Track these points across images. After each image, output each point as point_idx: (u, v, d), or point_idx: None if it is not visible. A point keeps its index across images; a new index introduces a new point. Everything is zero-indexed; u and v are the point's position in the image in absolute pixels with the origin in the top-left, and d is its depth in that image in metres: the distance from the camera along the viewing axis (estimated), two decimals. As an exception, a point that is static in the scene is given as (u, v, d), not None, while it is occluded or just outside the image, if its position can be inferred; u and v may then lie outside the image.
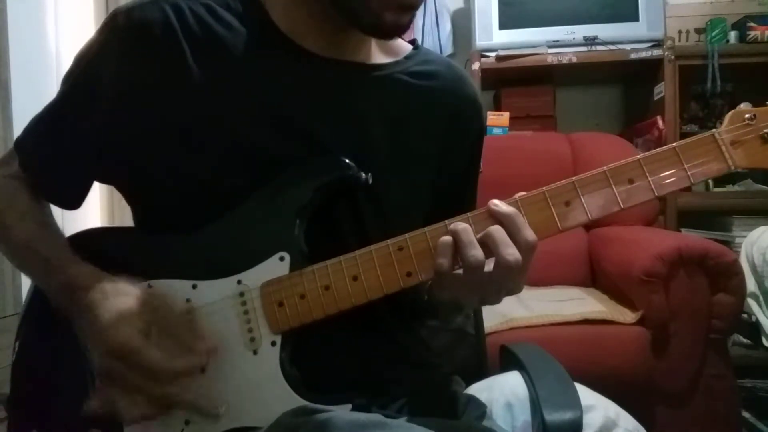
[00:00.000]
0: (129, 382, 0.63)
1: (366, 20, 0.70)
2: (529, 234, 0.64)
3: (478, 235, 0.64)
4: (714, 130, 0.67)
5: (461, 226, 0.65)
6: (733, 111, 0.67)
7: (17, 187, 0.77)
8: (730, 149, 0.66)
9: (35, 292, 0.78)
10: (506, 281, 0.65)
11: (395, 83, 0.79)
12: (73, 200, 0.79)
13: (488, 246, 0.64)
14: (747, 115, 0.66)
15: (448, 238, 0.65)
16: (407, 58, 0.83)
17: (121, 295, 0.65)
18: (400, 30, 0.71)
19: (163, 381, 0.63)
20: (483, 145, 0.89)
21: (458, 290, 0.67)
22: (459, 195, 0.85)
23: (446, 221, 0.67)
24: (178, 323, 0.67)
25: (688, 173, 0.65)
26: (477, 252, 0.63)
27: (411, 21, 0.72)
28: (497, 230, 0.64)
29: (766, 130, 0.66)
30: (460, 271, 0.65)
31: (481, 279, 0.64)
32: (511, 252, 0.63)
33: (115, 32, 0.72)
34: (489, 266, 0.64)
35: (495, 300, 0.69)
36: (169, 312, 0.67)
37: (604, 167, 0.66)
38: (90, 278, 0.67)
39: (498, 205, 0.66)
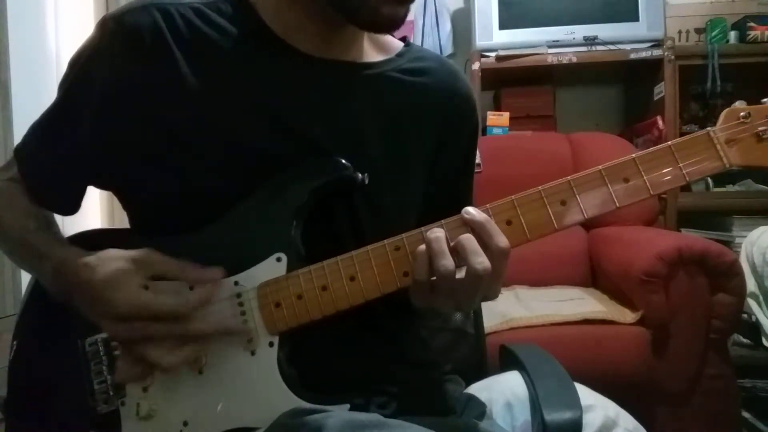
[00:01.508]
0: (153, 334, 0.65)
1: (364, 16, 0.70)
2: (501, 240, 0.64)
3: (452, 243, 0.64)
4: (709, 128, 0.67)
5: (434, 235, 0.65)
6: (727, 109, 0.67)
7: (18, 189, 0.78)
8: (725, 147, 0.66)
9: (32, 291, 0.79)
10: (478, 288, 0.65)
11: (388, 81, 0.79)
12: (70, 206, 0.80)
13: (459, 254, 0.64)
14: (742, 114, 0.66)
15: (423, 248, 0.65)
16: (399, 55, 0.83)
17: (109, 262, 0.66)
18: (397, 23, 0.71)
19: (184, 319, 0.65)
20: (478, 140, 0.89)
21: (432, 298, 0.67)
22: (455, 191, 0.85)
23: (423, 228, 0.67)
24: (172, 265, 0.68)
25: (684, 171, 0.65)
26: (447, 262, 0.63)
27: (407, 14, 0.72)
28: (467, 239, 0.64)
29: (760, 128, 0.66)
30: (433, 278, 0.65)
31: (453, 286, 0.64)
32: (480, 261, 0.63)
33: (106, 38, 0.72)
34: (461, 273, 0.64)
35: (469, 306, 0.69)
36: (159, 258, 0.68)
37: (600, 166, 0.67)
38: (75, 257, 0.68)
39: (470, 212, 0.66)
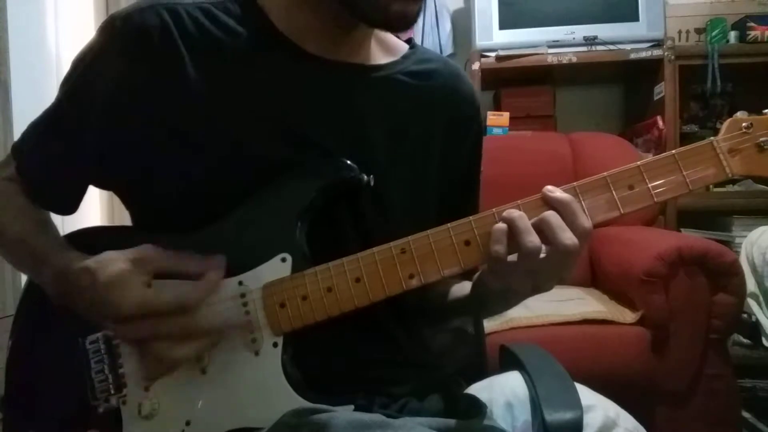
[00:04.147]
0: (160, 332, 0.65)
1: (373, 13, 0.70)
2: (585, 221, 0.64)
3: (532, 221, 0.64)
4: (712, 138, 0.68)
5: (516, 213, 0.64)
6: (730, 120, 0.69)
7: (14, 189, 0.78)
8: (728, 157, 0.67)
9: (28, 290, 0.78)
10: (561, 267, 0.65)
11: (394, 84, 0.79)
12: (68, 206, 0.80)
13: (544, 232, 0.63)
14: (744, 124, 0.68)
15: (502, 225, 0.64)
16: (405, 57, 0.83)
17: (109, 264, 0.66)
18: (408, 20, 0.71)
19: (189, 312, 0.65)
20: (483, 142, 0.89)
21: (512, 278, 0.67)
22: (462, 194, 0.85)
23: (494, 209, 0.66)
24: (173, 258, 0.68)
25: (687, 180, 0.67)
26: (534, 238, 0.63)
27: (419, 11, 0.71)
28: (553, 215, 0.64)
29: (762, 139, 0.67)
30: (514, 258, 0.65)
31: (536, 266, 0.64)
32: (568, 236, 0.63)
33: (112, 37, 0.72)
34: (544, 252, 0.64)
35: (548, 287, 0.68)
36: (158, 254, 0.67)
37: (605, 173, 0.67)
38: (77, 261, 0.68)
39: (553, 191, 0.66)
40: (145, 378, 0.68)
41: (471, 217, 0.67)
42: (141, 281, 0.65)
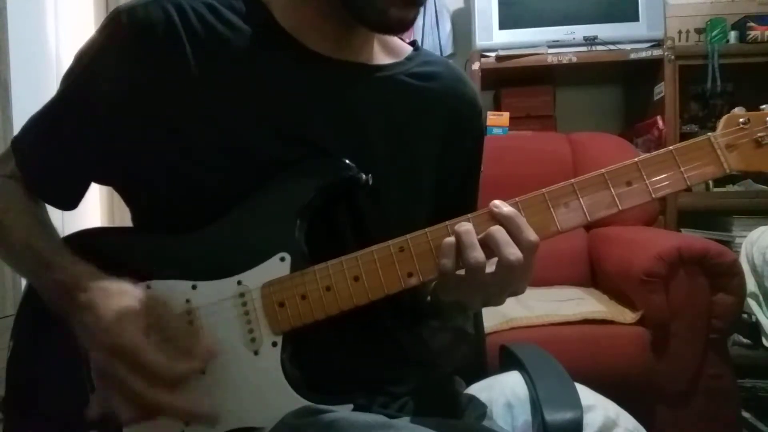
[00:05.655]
0: (127, 385, 0.61)
1: (372, 16, 0.70)
2: (531, 234, 0.64)
3: (480, 236, 0.65)
4: (710, 134, 0.68)
5: (464, 227, 0.65)
6: (727, 115, 0.69)
7: (15, 187, 0.77)
8: (726, 152, 0.67)
9: (29, 291, 0.78)
10: (509, 282, 0.65)
11: (396, 85, 0.79)
12: (70, 201, 0.79)
13: (490, 246, 0.64)
14: (741, 120, 0.68)
15: (451, 239, 0.65)
16: (408, 59, 0.83)
17: (122, 295, 0.64)
18: (405, 25, 0.71)
19: (161, 386, 0.62)
20: (483, 146, 0.89)
21: (461, 292, 0.67)
22: (460, 196, 0.85)
23: (447, 222, 0.67)
24: (177, 326, 0.66)
25: (685, 176, 0.67)
26: (478, 254, 0.63)
27: (416, 16, 0.72)
28: (498, 230, 0.64)
29: (759, 134, 0.67)
30: (463, 272, 0.65)
31: (484, 280, 0.64)
32: (512, 251, 0.63)
33: (117, 31, 0.71)
34: (491, 267, 0.64)
35: (498, 301, 0.69)
36: (168, 314, 0.66)
37: (603, 170, 0.67)
38: (90, 278, 0.67)
39: (499, 206, 0.66)
40: (100, 413, 0.64)
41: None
42: (140, 326, 0.63)
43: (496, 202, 0.66)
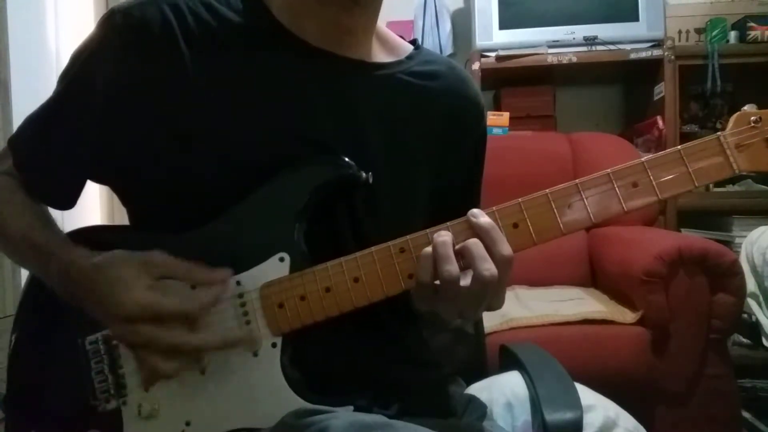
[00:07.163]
0: (161, 341, 0.64)
1: None
2: (505, 249, 0.63)
3: (457, 246, 0.64)
4: (719, 133, 0.66)
5: (440, 239, 0.64)
6: (738, 114, 0.67)
7: (13, 184, 0.77)
8: (735, 153, 0.65)
9: (28, 290, 0.78)
10: (482, 297, 0.64)
11: (397, 83, 0.79)
12: (66, 200, 0.79)
13: (466, 258, 0.63)
14: (752, 118, 0.65)
15: (429, 250, 0.64)
16: (409, 58, 0.82)
17: (117, 263, 0.66)
18: None
19: (191, 326, 0.65)
20: (486, 146, 0.89)
21: (436, 303, 0.66)
22: (462, 197, 0.85)
23: (428, 230, 0.66)
24: (180, 266, 0.67)
25: (693, 177, 0.65)
26: (451, 267, 0.62)
27: None
28: (475, 244, 0.63)
29: None
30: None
31: (458, 293, 0.63)
32: (487, 267, 0.62)
33: (112, 31, 0.72)
34: (466, 281, 0.63)
35: (473, 315, 0.68)
36: (167, 260, 0.67)
37: (608, 170, 0.66)
38: (85, 258, 0.68)
39: (477, 216, 0.65)
40: (143, 381, 0.68)
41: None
42: (145, 284, 0.65)
43: (474, 211, 0.65)
